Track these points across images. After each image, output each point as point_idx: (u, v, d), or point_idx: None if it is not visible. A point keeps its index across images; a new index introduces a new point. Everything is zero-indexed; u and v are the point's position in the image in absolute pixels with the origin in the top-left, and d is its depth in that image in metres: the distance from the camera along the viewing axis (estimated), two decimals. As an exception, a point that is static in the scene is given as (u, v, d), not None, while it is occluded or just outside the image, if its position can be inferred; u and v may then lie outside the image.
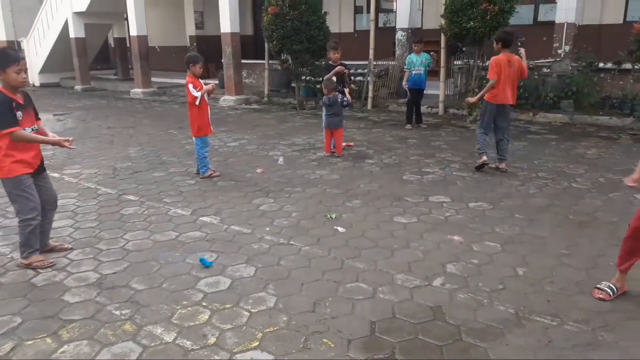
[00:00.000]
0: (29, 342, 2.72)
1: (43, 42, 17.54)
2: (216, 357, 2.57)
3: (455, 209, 4.73)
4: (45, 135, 3.70)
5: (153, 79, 15.12)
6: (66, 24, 16.22)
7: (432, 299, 3.11)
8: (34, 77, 17.41)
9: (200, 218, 4.57)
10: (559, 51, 9.96)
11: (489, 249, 3.84)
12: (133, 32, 14.29)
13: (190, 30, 18.30)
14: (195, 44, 18.03)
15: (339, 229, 4.27)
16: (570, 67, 9.77)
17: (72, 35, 16.09)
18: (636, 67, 8.64)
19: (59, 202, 4.71)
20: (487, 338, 2.71)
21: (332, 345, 2.66)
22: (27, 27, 19.02)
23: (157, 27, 19.25)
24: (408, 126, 8.90)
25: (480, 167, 5.93)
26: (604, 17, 11.76)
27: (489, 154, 5.94)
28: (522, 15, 12.96)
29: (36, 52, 17.53)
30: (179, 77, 17.13)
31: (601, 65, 9.68)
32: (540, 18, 12.64)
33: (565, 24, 9.84)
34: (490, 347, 2.63)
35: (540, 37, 11.27)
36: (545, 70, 9.92)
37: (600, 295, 3.07)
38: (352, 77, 9.04)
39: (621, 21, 11.25)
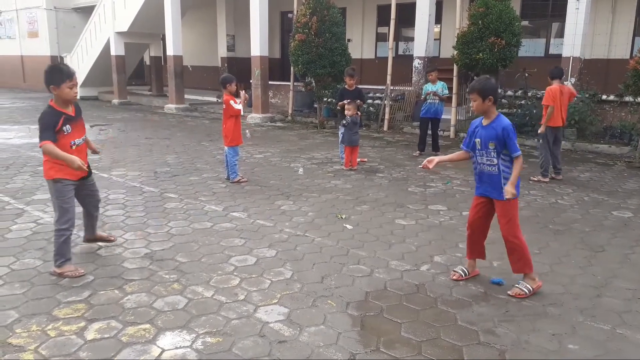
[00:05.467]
0: (102, 292, 3.53)
1: (85, 58, 18.97)
2: (244, 308, 3.34)
3: (449, 215, 5.46)
4: (89, 144, 4.06)
5: (185, 96, 16.23)
6: (108, 42, 17.59)
7: (418, 279, 3.84)
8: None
9: (231, 213, 5.38)
10: (566, 83, 10.64)
11: (472, 246, 4.54)
12: (170, 52, 15.47)
13: (222, 52, 19.50)
14: (226, 64, 19.21)
15: (348, 226, 5.03)
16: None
17: (113, 53, 17.43)
18: (633, 99, 9.26)
19: (111, 197, 5.58)
20: (457, 307, 3.42)
21: (334, 305, 3.40)
22: (70, 44, 20.57)
23: (191, 48, 20.51)
24: (416, 153, 8.82)
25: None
26: (611, 52, 12.46)
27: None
28: (535, 48, 13.78)
29: (78, 67, 18.88)
30: (209, 94, 18.28)
31: (604, 97, 10.37)
32: (552, 51, 13.38)
33: (571, 58, 10.56)
34: (458, 313, 3.34)
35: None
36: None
37: (454, 277, 3.82)
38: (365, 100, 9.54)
39: (628, 56, 11.89)
